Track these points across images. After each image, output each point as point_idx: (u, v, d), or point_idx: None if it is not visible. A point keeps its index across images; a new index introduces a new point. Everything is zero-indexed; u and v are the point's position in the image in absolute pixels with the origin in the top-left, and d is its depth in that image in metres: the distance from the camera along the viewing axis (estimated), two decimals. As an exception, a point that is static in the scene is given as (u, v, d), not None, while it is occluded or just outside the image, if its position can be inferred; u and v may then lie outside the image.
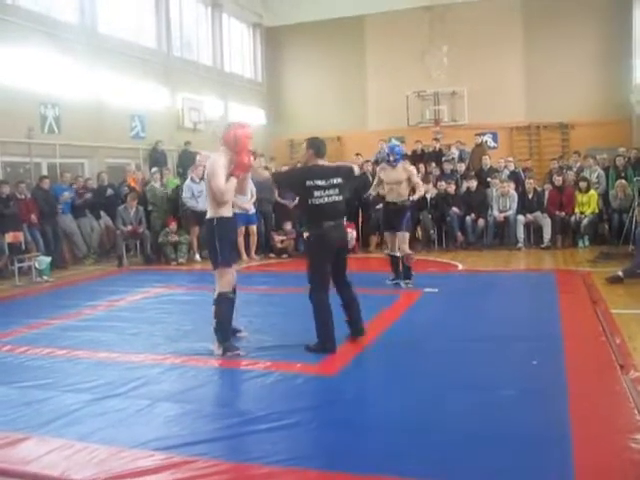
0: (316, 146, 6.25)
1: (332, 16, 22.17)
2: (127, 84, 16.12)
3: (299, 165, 8.50)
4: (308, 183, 6.03)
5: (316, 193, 6.01)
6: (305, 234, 6.86)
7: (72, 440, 4.19)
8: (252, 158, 6.39)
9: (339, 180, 6.14)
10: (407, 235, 9.19)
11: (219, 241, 6.10)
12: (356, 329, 6.39)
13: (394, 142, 9.54)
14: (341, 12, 22.09)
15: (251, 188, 10.89)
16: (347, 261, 6.44)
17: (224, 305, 6.19)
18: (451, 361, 5.72)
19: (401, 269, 9.16)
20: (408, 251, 9.07)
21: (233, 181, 6.11)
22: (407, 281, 9.09)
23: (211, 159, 6.21)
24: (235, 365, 5.74)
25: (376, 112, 22.21)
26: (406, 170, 9.13)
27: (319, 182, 6.04)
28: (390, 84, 21.65)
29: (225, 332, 6.21)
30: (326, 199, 6.04)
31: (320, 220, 6.06)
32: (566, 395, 4.64)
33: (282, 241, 13.53)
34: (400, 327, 6.90)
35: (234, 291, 6.38)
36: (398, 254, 9.12)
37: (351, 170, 6.56)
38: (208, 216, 6.21)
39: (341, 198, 6.16)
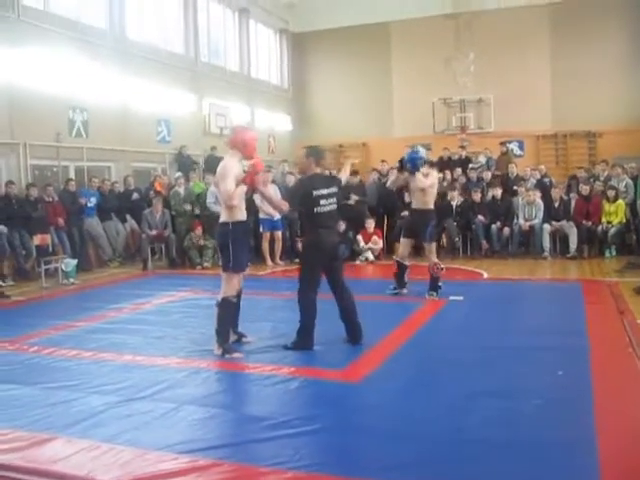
0: (316, 154, 6.47)
1: (358, 23, 22.20)
2: (154, 89, 16.24)
3: (297, 175, 8.59)
4: (315, 193, 6.24)
5: (322, 202, 6.26)
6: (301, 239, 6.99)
7: (98, 441, 4.22)
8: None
9: (335, 189, 6.42)
10: (434, 245, 8.95)
11: (233, 245, 6.19)
12: (353, 335, 6.50)
13: (414, 149, 9.17)
14: (367, 19, 22.10)
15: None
16: (342, 267, 6.60)
17: (227, 309, 6.35)
18: (476, 369, 5.69)
19: (429, 280, 8.89)
20: (435, 260, 8.79)
21: (243, 188, 6.22)
22: (432, 292, 8.78)
23: (223, 162, 6.32)
24: (259, 370, 5.75)
25: (402, 119, 22.18)
26: (427, 176, 8.85)
27: (323, 191, 6.28)
28: (416, 91, 21.63)
29: (225, 334, 6.36)
30: (327, 207, 6.30)
31: (318, 227, 6.30)
32: (592, 405, 4.60)
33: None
34: (425, 335, 6.86)
35: (239, 295, 6.54)
36: (407, 263, 9.03)
37: (341, 182, 6.76)
38: (222, 220, 6.30)
39: (336, 207, 6.41)
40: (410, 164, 8.79)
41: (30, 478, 3.80)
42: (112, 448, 4.10)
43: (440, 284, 8.83)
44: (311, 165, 6.40)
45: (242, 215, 6.29)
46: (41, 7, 13.22)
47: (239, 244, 6.25)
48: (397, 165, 15.38)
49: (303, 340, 6.31)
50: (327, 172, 6.84)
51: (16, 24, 12.39)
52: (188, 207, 13.63)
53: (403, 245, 9.20)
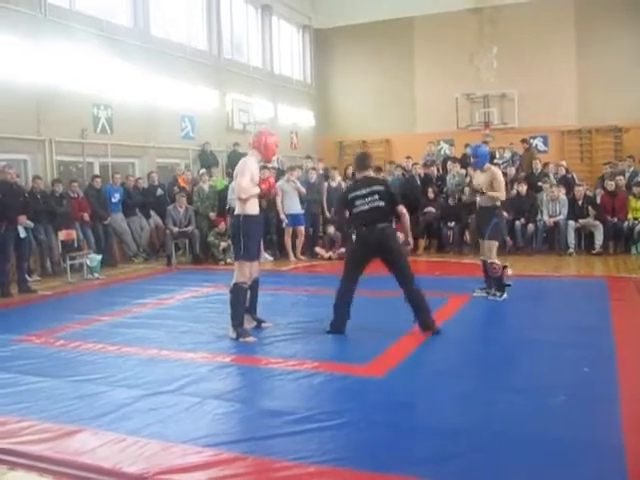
0: (357, 162, 7.16)
1: (381, 18, 22.10)
2: (178, 86, 16.29)
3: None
4: (350, 196, 6.80)
5: (357, 202, 6.70)
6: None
7: (123, 434, 4.27)
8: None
9: (378, 188, 6.75)
10: (493, 243, 8.41)
11: (244, 236, 6.72)
12: (421, 324, 6.67)
13: (477, 144, 9.20)
14: (390, 14, 22.00)
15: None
16: (400, 261, 6.73)
17: (239, 294, 6.81)
18: (500, 365, 5.68)
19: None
20: (492, 259, 8.37)
21: (256, 189, 6.76)
22: (495, 292, 8.45)
23: (243, 159, 6.92)
24: (283, 365, 5.77)
25: (425, 114, 22.08)
26: (491, 173, 8.46)
27: (361, 192, 6.72)
28: (439, 86, 21.52)
29: (239, 318, 6.80)
30: (366, 206, 6.67)
31: (357, 225, 6.81)
32: (619, 403, 4.56)
33: (330, 256, 13.41)
34: (449, 330, 6.83)
35: (256, 282, 7.08)
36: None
37: (386, 181, 7.47)
38: (235, 212, 6.88)
39: (382, 204, 6.69)
40: (480, 157, 8.65)
41: (58, 469, 3.85)
42: (138, 441, 4.14)
43: (508, 282, 8.55)
44: (356, 172, 7.10)
45: (254, 209, 6.80)
46: (67, 5, 13.31)
47: (250, 235, 6.74)
48: (422, 162, 15.44)
49: (334, 322, 6.81)
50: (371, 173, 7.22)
51: (42, 23, 12.50)
52: (213, 215, 13.68)
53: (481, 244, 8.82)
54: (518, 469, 3.65)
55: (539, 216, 13.21)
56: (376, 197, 6.66)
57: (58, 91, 12.72)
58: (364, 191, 6.69)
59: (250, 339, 6.70)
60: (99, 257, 11.96)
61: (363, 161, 7.05)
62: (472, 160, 9.04)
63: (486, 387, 5.08)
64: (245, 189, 6.63)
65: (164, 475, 3.68)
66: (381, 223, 6.65)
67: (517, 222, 13.10)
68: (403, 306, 6.78)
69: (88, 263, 11.69)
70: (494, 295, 8.45)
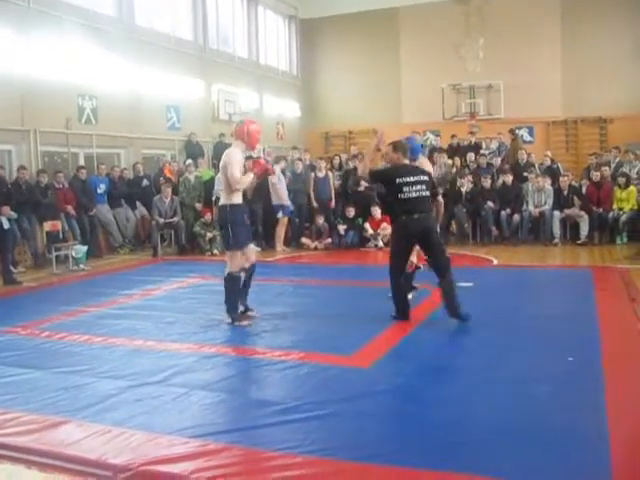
0: (402, 149, 6.95)
1: (367, 8, 22.08)
2: (163, 76, 16.21)
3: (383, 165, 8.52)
4: (398, 180, 6.63)
5: (405, 189, 6.60)
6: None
7: (109, 425, 4.25)
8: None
9: (422, 177, 6.76)
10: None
11: (232, 225, 6.82)
12: (450, 312, 6.67)
13: (410, 135, 8.82)
14: (376, 4, 21.99)
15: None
16: (440, 250, 6.81)
17: (233, 283, 6.96)
18: (486, 355, 5.69)
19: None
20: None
21: (250, 175, 6.93)
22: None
23: (228, 150, 6.94)
24: (269, 355, 5.77)
25: (411, 105, 22.10)
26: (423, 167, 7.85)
27: (409, 179, 6.64)
28: (425, 77, 21.54)
29: (234, 304, 6.99)
30: (414, 194, 6.61)
31: (403, 213, 6.62)
32: (603, 391, 4.59)
33: (315, 247, 13.43)
34: (435, 320, 6.86)
35: (253, 267, 7.20)
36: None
37: (427, 172, 7.08)
38: (221, 203, 7.03)
39: (428, 193, 6.73)
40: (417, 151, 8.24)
41: (44, 460, 3.83)
42: (123, 432, 4.13)
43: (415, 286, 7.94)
44: (399, 158, 6.87)
45: (238, 199, 6.90)
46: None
47: (238, 224, 6.84)
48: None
49: (399, 311, 6.84)
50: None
51: (27, 12, 12.40)
52: (199, 205, 13.63)
53: None
54: (501, 459, 3.65)
55: (524, 206, 13.25)
56: (423, 187, 6.66)
57: (42, 81, 12.63)
58: (412, 179, 6.65)
59: (245, 322, 6.91)
60: (84, 248, 11.91)
61: (405, 148, 6.98)
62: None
63: (470, 377, 5.10)
64: (240, 180, 6.71)
65: (150, 466, 3.67)
66: (426, 213, 6.67)
67: (503, 212, 13.15)
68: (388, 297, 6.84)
69: (73, 254, 11.64)
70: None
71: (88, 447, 3.94)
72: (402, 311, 6.85)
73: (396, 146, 6.97)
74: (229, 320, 6.94)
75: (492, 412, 4.33)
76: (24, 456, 3.89)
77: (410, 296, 7.45)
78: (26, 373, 5.51)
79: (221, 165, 6.93)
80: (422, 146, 8.79)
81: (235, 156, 6.77)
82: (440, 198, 7.21)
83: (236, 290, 7.01)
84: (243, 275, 7.11)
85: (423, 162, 8.06)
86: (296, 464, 3.65)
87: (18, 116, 12.30)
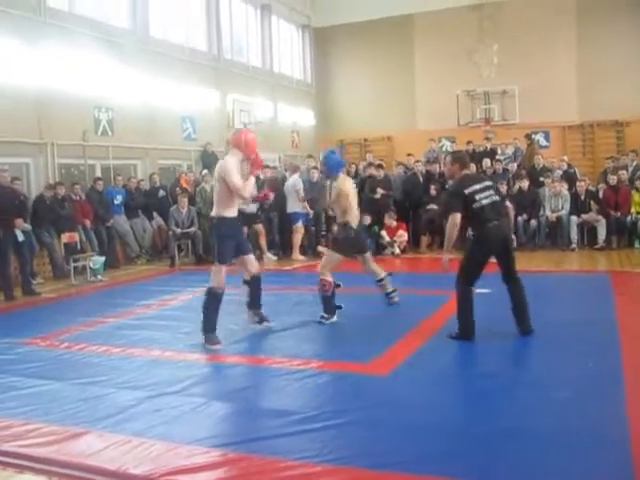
0: (461, 160, 6.64)
1: (380, 16, 22.07)
2: (178, 87, 16.30)
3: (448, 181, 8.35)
4: (467, 191, 6.27)
5: (477, 197, 6.26)
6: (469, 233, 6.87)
7: (129, 436, 4.27)
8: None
9: (489, 183, 6.54)
10: (332, 256, 7.57)
11: (218, 239, 6.61)
12: (522, 326, 6.41)
13: (331, 149, 8.13)
14: (389, 11, 21.97)
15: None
16: (513, 257, 6.56)
17: (212, 300, 6.64)
18: (505, 360, 5.69)
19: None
20: (323, 275, 7.41)
21: (252, 180, 6.69)
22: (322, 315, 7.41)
23: (223, 160, 6.73)
24: (288, 365, 5.77)
25: (426, 111, 22.06)
26: (337, 186, 7.49)
27: (476, 187, 6.32)
28: (439, 83, 21.51)
29: (209, 323, 6.63)
30: (485, 201, 6.27)
31: (484, 221, 6.27)
32: (624, 396, 4.56)
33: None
34: (452, 328, 6.83)
35: (257, 278, 7.02)
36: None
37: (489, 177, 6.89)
38: (211, 214, 6.82)
39: (499, 197, 6.46)
40: (328, 168, 7.75)
41: (65, 471, 3.86)
42: (143, 442, 4.15)
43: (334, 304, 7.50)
44: (458, 170, 6.55)
45: (231, 212, 6.65)
46: (66, 9, 13.32)
47: (223, 239, 6.60)
48: (424, 160, 15.41)
49: (463, 329, 6.36)
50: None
51: (42, 26, 12.51)
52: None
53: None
54: (523, 464, 3.65)
55: (541, 211, 13.19)
56: (492, 192, 6.38)
57: (59, 94, 12.73)
58: (478, 186, 6.33)
59: (217, 347, 6.51)
60: (102, 259, 11.97)
61: (466, 159, 6.73)
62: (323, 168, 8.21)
63: (490, 383, 5.09)
64: (244, 188, 6.51)
65: (170, 476, 3.69)
66: (503, 218, 6.44)
67: (519, 218, 13.08)
68: (406, 304, 6.80)
69: (91, 265, 11.69)
70: (321, 318, 7.35)
71: (108, 457, 3.96)
72: (467, 329, 6.34)
73: (454, 157, 6.73)
74: (202, 339, 6.62)
75: (511, 417, 4.32)
76: (45, 467, 3.92)
77: (334, 319, 7.26)
78: (46, 384, 5.55)
79: (216, 177, 6.73)
80: (343, 164, 8.18)
81: (230, 164, 6.53)
82: (508, 203, 6.98)
83: (214, 308, 6.65)
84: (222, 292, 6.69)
85: (343, 180, 7.55)
86: (315, 473, 3.67)
87: (35, 129, 12.40)
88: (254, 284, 7.09)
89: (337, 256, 7.50)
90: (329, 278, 7.34)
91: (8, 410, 4.90)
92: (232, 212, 6.67)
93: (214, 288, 6.62)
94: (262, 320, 7.17)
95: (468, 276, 6.37)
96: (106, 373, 5.81)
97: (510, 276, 6.49)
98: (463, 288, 6.37)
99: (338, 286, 7.47)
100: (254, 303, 7.15)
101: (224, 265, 6.66)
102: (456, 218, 6.26)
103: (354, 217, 7.49)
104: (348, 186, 7.53)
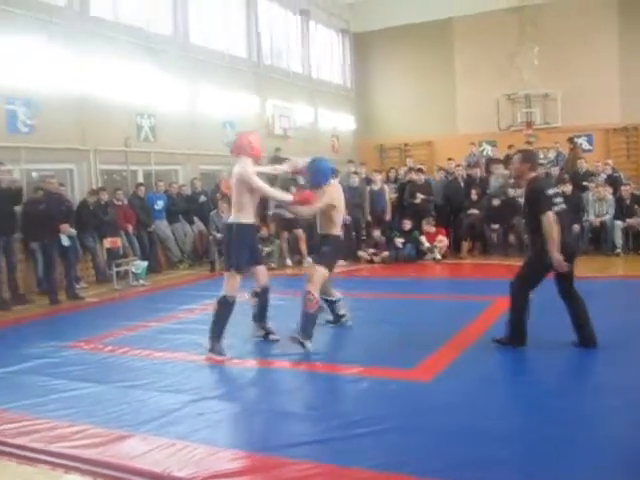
0: (531, 159, 6.22)
1: (419, 20, 21.96)
2: (218, 93, 16.43)
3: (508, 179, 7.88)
4: (549, 192, 5.92)
5: (555, 200, 5.92)
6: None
7: (172, 439, 4.30)
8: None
9: (558, 189, 6.22)
10: (318, 270, 6.76)
11: (235, 245, 6.42)
12: (586, 339, 6.08)
13: (320, 157, 7.59)
14: (428, 15, 21.87)
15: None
16: (572, 270, 6.16)
17: (224, 307, 6.44)
18: (549, 367, 5.59)
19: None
20: (309, 289, 6.63)
21: (287, 196, 6.69)
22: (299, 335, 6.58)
23: (237, 168, 6.48)
24: (330, 370, 5.76)
25: (466, 116, 21.88)
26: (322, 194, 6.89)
27: (553, 190, 6.04)
28: (479, 87, 21.32)
29: (217, 331, 6.45)
30: (559, 207, 5.91)
31: (561, 230, 5.83)
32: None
33: (373, 255, 13.34)
34: (495, 333, 6.74)
35: (266, 290, 6.83)
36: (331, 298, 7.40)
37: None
38: (229, 221, 6.63)
39: (565, 207, 6.06)
40: (313, 177, 7.08)
41: (110, 473, 3.91)
42: (187, 445, 4.18)
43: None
44: (526, 170, 6.11)
45: (248, 218, 6.48)
46: (109, 17, 13.52)
47: (240, 244, 6.42)
48: (464, 164, 15.29)
49: (513, 335, 6.10)
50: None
51: (86, 35, 12.71)
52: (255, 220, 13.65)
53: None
54: (569, 473, 3.58)
55: (585, 216, 13.00)
56: (562, 199, 6.06)
57: (102, 101, 12.92)
58: (553, 191, 6.01)
59: (221, 358, 6.33)
60: (144, 264, 12.11)
61: (536, 160, 6.38)
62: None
63: (533, 390, 5.02)
64: (262, 186, 6.41)
65: (213, 480, 3.70)
66: (568, 230, 6.12)
67: (562, 223, 12.88)
68: (448, 309, 6.73)
69: (134, 270, 11.84)
70: (296, 341, 6.49)
71: (152, 460, 3.99)
72: (519, 335, 6.07)
73: (524, 156, 6.24)
74: (209, 347, 6.44)
75: (559, 426, 4.23)
76: (91, 468, 3.97)
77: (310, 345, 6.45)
78: (90, 387, 5.62)
79: (234, 183, 6.50)
80: (333, 171, 7.35)
81: (247, 169, 6.35)
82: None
83: (225, 316, 6.46)
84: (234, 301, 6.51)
85: (331, 189, 6.94)
86: (358, 479, 3.63)
87: (79, 136, 12.59)
88: (262, 296, 6.91)
89: (326, 272, 6.82)
90: (316, 295, 6.64)
91: (53, 412, 4.97)
92: (249, 218, 6.51)
93: (227, 297, 6.45)
94: (267, 334, 6.99)
95: (529, 282, 6.10)
96: (149, 376, 5.86)
97: (567, 287, 6.18)
98: (523, 293, 6.06)
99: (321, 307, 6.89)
100: (261, 316, 6.99)
101: (239, 272, 6.49)
102: (551, 216, 5.73)
103: (339, 227, 7.05)
104: (337, 195, 6.97)
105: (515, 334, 6.09)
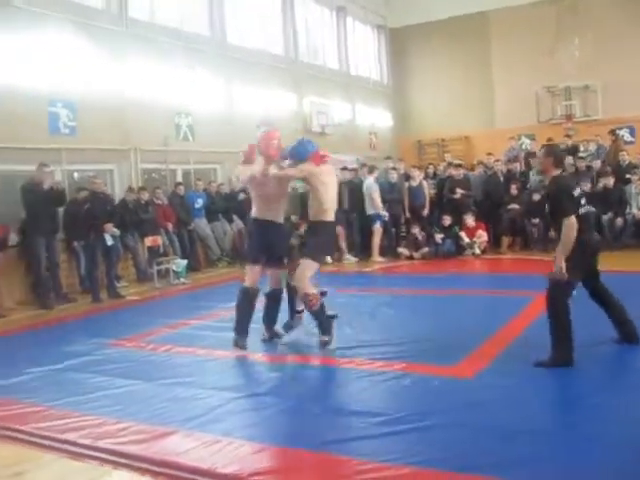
0: (555, 154, 5.71)
1: (456, 14, 21.80)
2: (255, 91, 16.49)
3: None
4: (575, 192, 5.51)
5: (582, 201, 5.53)
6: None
7: (217, 436, 4.33)
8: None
9: (580, 189, 5.78)
10: (309, 264, 6.47)
11: (249, 239, 6.78)
12: (628, 334, 5.84)
13: (303, 139, 7.10)
14: (465, 9, 21.69)
15: None
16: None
17: (244, 299, 6.59)
18: (590, 365, 5.48)
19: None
20: (305, 289, 6.42)
21: (252, 168, 6.56)
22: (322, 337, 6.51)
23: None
24: (371, 367, 5.74)
25: (504, 110, 21.65)
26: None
27: (577, 191, 5.59)
28: (518, 80, 21.06)
29: (239, 323, 6.56)
30: (585, 208, 5.57)
31: (588, 229, 5.53)
32: None
33: (412, 256, 13.26)
34: (537, 329, 6.62)
35: (278, 293, 6.82)
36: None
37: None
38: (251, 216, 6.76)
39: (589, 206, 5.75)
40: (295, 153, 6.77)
41: (156, 469, 3.94)
42: (231, 442, 4.19)
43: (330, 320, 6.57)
44: (550, 165, 5.62)
45: (262, 214, 6.56)
46: (147, 18, 13.69)
47: (254, 239, 6.63)
48: (504, 159, 15.12)
49: (560, 354, 5.37)
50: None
51: (125, 36, 12.88)
52: (294, 218, 13.69)
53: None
54: (615, 471, 3.53)
55: (627, 209, 12.78)
56: (586, 200, 5.66)
57: (141, 101, 13.07)
58: (578, 191, 5.59)
59: (241, 352, 6.42)
60: (185, 262, 12.21)
61: (560, 155, 5.85)
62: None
63: (575, 388, 4.96)
64: (285, 170, 6.62)
65: (259, 476, 3.71)
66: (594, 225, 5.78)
67: (604, 216, 12.70)
68: (489, 305, 6.67)
69: (174, 268, 11.95)
70: (324, 344, 6.39)
71: (198, 456, 4.02)
72: (568, 354, 5.35)
73: (547, 150, 5.79)
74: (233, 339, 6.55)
75: (596, 424, 4.17)
76: (139, 464, 4.02)
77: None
78: (134, 384, 5.69)
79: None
80: (311, 149, 6.69)
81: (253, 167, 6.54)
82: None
83: (245, 306, 6.56)
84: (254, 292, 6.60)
85: (321, 168, 6.52)
86: (401, 475, 3.64)
87: (120, 136, 12.74)
88: (269, 299, 6.90)
89: (315, 265, 6.49)
90: (313, 290, 6.40)
91: (99, 409, 5.04)
92: (263, 214, 6.56)
93: (246, 288, 6.59)
94: (272, 337, 6.94)
95: (564, 287, 5.41)
96: (192, 374, 5.91)
97: (597, 286, 5.90)
98: (563, 304, 5.38)
99: (324, 294, 6.62)
100: (267, 318, 6.96)
101: (255, 264, 6.60)
102: (573, 221, 5.26)
103: (331, 213, 6.58)
104: (325, 177, 6.52)
105: (562, 352, 5.36)
